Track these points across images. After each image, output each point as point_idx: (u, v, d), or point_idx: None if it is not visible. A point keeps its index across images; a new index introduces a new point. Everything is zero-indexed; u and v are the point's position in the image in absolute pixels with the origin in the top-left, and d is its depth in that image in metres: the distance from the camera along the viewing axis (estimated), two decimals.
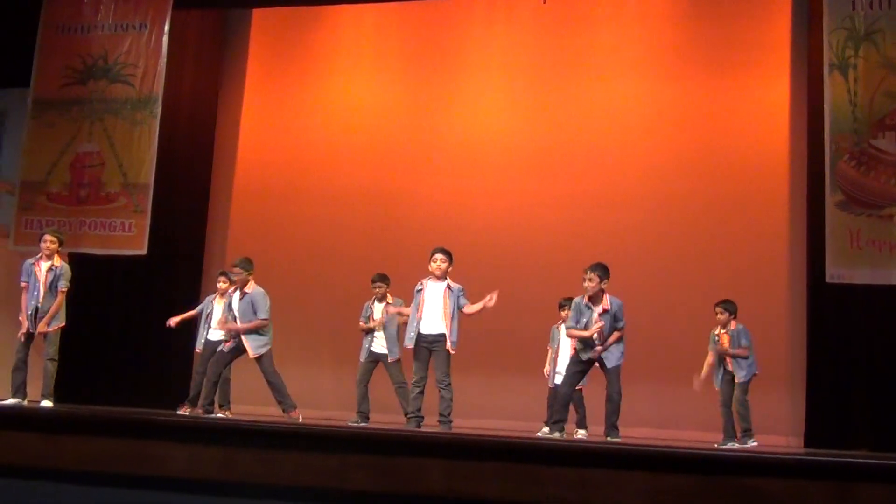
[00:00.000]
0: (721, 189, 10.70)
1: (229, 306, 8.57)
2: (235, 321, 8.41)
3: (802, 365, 9.90)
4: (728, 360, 8.44)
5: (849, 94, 8.89)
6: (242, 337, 8.38)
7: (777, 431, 9.90)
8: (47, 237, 8.57)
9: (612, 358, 7.66)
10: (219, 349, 8.67)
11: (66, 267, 8.60)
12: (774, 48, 10.89)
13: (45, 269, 8.47)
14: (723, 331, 8.50)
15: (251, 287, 8.47)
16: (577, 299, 7.86)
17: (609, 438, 7.40)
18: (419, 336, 7.92)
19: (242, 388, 9.32)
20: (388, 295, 9.10)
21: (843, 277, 8.78)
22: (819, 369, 9.69)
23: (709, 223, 10.69)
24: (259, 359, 8.41)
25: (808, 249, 9.94)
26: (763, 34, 10.99)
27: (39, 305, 8.39)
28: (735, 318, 8.52)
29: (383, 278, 9.15)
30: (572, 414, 8.57)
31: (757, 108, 10.90)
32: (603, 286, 7.71)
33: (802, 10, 10.54)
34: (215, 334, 9.10)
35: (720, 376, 8.53)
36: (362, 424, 8.75)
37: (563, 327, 8.52)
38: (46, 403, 8.21)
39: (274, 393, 8.49)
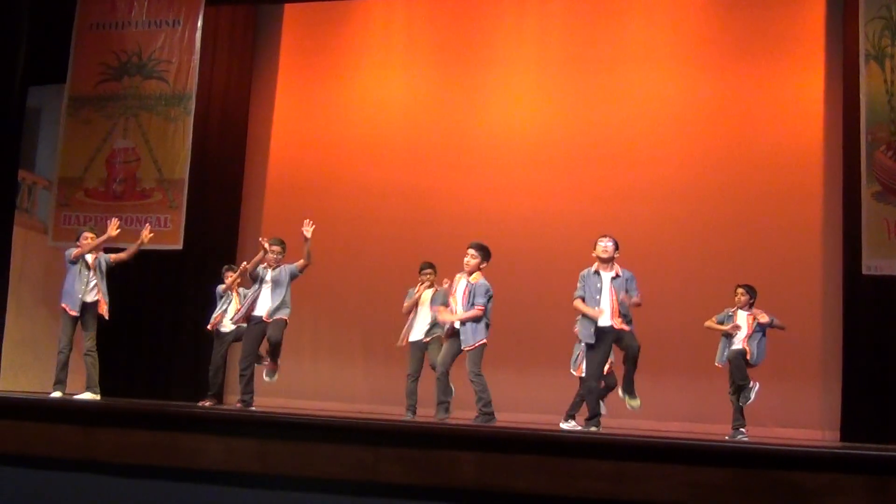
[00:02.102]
0: (755, 181, 10.62)
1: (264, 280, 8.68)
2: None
3: (838, 358, 9.82)
4: (744, 339, 8.39)
5: (885, 84, 8.80)
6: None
7: (813, 425, 9.85)
8: (87, 234, 8.68)
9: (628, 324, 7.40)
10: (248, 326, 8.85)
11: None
12: (809, 38, 10.80)
13: (91, 259, 8.60)
14: (745, 313, 8.46)
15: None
16: (584, 271, 7.54)
17: (624, 396, 7.39)
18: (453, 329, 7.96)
19: (276, 382, 9.36)
20: (435, 284, 8.90)
21: (880, 269, 8.70)
22: (855, 362, 9.61)
23: (743, 215, 10.61)
24: (273, 323, 8.54)
25: (843, 241, 9.86)
26: (797, 24, 10.89)
27: (85, 298, 8.52)
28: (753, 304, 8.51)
29: (432, 266, 8.97)
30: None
31: (791, 99, 10.81)
32: (615, 255, 7.48)
33: None
34: (229, 326, 9.35)
35: (725, 353, 8.49)
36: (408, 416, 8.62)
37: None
38: (91, 396, 8.34)
39: (272, 349, 8.60)
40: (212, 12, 11.23)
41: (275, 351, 8.68)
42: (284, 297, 8.58)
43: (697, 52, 11.23)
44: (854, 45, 9.18)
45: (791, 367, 9.78)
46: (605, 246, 7.46)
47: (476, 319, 7.80)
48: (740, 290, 8.56)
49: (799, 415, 9.88)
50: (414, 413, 8.69)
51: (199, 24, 10.73)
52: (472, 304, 7.83)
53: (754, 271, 9.95)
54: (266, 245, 8.66)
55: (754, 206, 10.59)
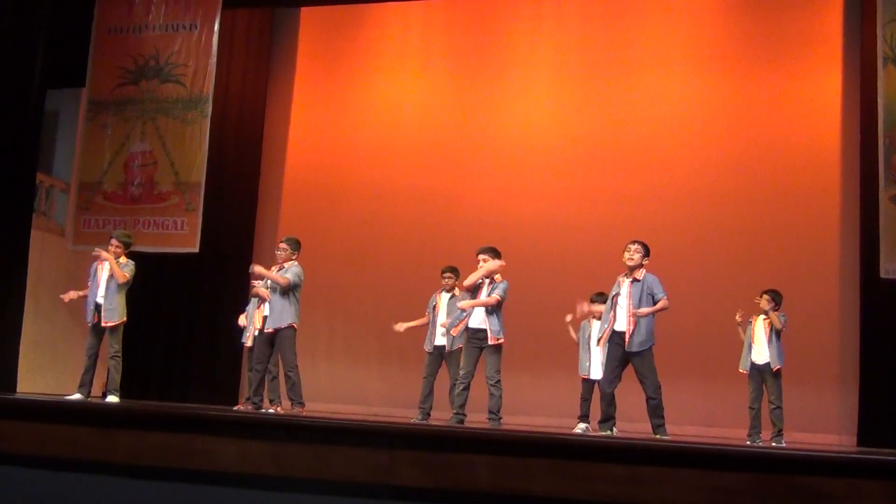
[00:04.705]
0: (772, 184, 10.58)
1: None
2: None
3: (855, 362, 9.77)
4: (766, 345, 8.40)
5: None
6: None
7: (829, 429, 9.78)
8: (112, 241, 8.67)
9: (637, 339, 7.26)
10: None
11: (131, 263, 8.68)
12: (826, 41, 10.74)
13: (108, 267, 8.57)
14: (765, 318, 8.44)
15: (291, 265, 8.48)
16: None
17: (657, 437, 7.27)
18: (469, 331, 7.94)
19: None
20: (457, 288, 8.74)
21: None
22: (872, 366, 9.56)
23: (760, 218, 10.57)
24: (279, 334, 8.32)
25: (861, 244, 9.81)
26: (814, 26, 10.84)
27: (100, 302, 8.49)
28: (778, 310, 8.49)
29: (453, 270, 8.84)
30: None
31: (808, 101, 10.76)
32: (643, 262, 7.52)
33: (855, 1, 10.40)
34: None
35: (749, 362, 8.46)
36: (421, 421, 8.46)
37: (594, 322, 8.47)
38: (112, 399, 8.36)
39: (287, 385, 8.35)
40: (228, 16, 11.26)
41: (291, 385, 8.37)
42: (288, 303, 8.33)
43: (714, 54, 11.18)
44: (872, 47, 9.14)
45: (808, 371, 9.72)
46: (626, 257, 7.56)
47: (496, 314, 7.91)
48: (765, 297, 8.50)
49: (816, 419, 9.82)
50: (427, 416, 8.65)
51: (216, 27, 10.76)
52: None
53: (771, 274, 9.91)
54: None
55: (771, 208, 10.55)
